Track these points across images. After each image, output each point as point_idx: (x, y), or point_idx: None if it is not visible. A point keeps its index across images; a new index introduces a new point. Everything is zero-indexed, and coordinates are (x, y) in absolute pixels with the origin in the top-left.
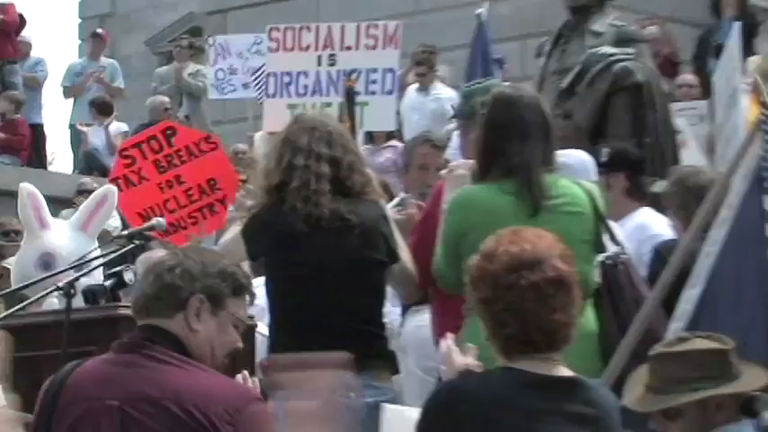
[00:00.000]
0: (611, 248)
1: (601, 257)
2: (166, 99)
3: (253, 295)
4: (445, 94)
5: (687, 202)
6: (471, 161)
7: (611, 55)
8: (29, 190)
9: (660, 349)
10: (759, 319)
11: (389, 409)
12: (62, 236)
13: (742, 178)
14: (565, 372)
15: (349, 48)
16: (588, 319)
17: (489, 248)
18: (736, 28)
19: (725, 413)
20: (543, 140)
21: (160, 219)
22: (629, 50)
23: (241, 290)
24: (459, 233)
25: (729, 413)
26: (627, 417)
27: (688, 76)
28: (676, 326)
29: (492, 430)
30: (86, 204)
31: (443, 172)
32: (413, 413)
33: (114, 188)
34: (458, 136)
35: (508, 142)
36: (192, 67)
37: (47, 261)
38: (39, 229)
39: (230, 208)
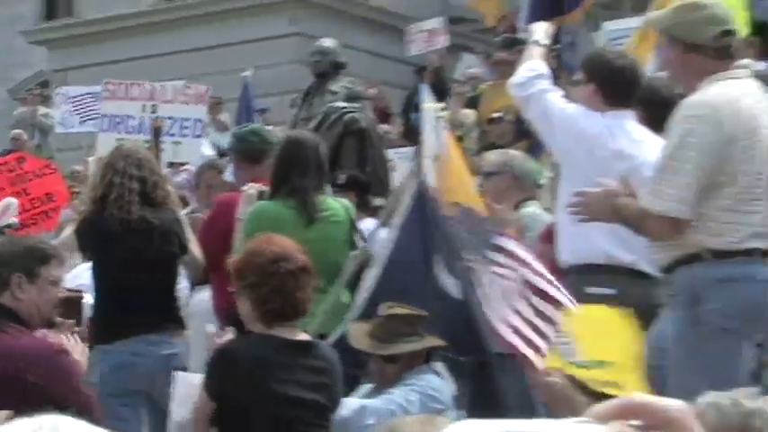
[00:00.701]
0: (360, 245)
1: (354, 252)
2: (23, 133)
3: (63, 257)
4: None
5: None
6: (258, 184)
7: (344, 108)
8: None
9: (385, 311)
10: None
11: (180, 376)
12: None
13: (409, 196)
14: (303, 336)
15: (168, 101)
16: (346, 295)
17: (253, 248)
18: (425, 89)
19: (419, 360)
20: (318, 172)
21: (14, 219)
22: (356, 105)
23: (48, 258)
24: (255, 236)
25: (420, 360)
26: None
27: (385, 126)
28: (363, 296)
29: (258, 381)
30: None
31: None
32: (196, 378)
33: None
34: (231, 164)
35: (293, 172)
36: (42, 109)
37: None
38: None
39: (65, 212)
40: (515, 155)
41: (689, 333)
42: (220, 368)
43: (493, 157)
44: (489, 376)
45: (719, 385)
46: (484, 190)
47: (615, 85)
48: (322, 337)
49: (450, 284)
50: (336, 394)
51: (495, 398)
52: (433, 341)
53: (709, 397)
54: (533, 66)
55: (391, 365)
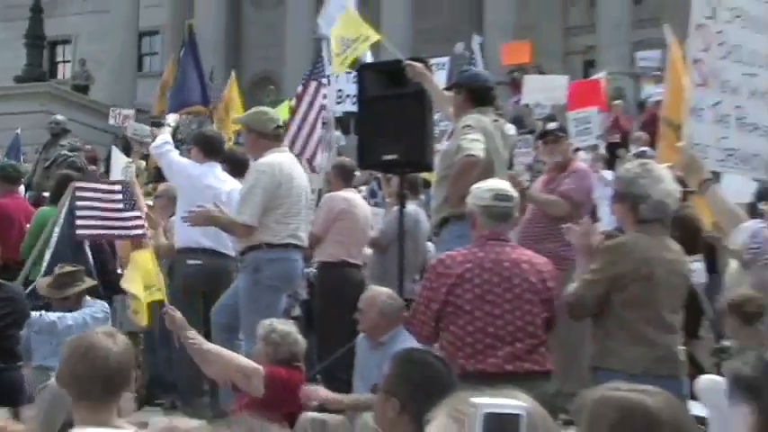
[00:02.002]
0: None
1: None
2: None
3: None
4: None
5: None
6: None
7: (68, 155)
8: None
9: (58, 270)
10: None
11: None
12: None
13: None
14: None
15: None
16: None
17: None
18: (116, 150)
19: (83, 296)
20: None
21: None
22: (76, 153)
23: None
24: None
25: (84, 295)
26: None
27: (93, 166)
28: (46, 258)
29: None
30: None
31: None
32: None
33: None
34: None
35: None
36: None
37: None
38: None
39: None
40: (172, 185)
41: (252, 289)
42: None
43: (160, 186)
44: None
45: (269, 318)
46: (154, 205)
47: (207, 147)
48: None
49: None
50: (20, 313)
51: None
52: (89, 283)
53: (265, 322)
54: (164, 137)
55: (66, 302)
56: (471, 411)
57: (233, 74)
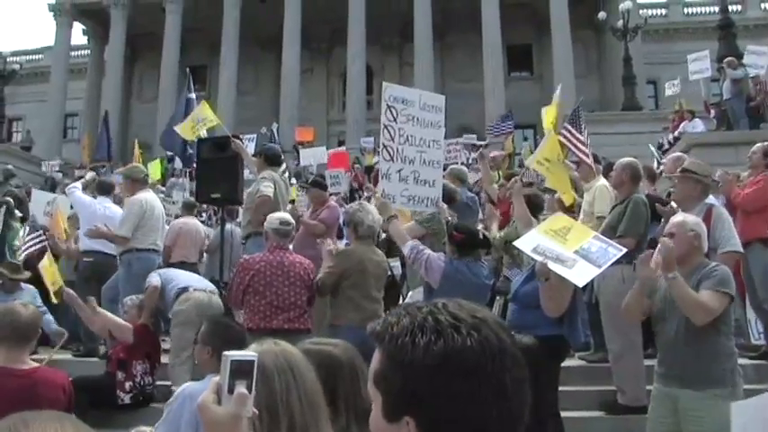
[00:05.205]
0: None
1: None
2: None
3: None
4: None
5: None
6: None
7: (12, 191)
8: None
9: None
10: None
11: None
12: None
13: None
14: None
15: None
16: None
17: None
18: (33, 191)
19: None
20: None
21: None
22: (19, 188)
23: None
24: None
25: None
26: None
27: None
28: None
29: None
30: None
31: None
32: None
33: None
34: None
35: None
36: None
37: None
38: None
39: None
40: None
41: (127, 278)
42: None
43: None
44: None
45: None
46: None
47: (100, 189)
48: None
49: None
50: None
51: None
52: (26, 275)
53: (132, 296)
54: (75, 184)
55: (13, 284)
56: (224, 359)
57: (136, 144)
